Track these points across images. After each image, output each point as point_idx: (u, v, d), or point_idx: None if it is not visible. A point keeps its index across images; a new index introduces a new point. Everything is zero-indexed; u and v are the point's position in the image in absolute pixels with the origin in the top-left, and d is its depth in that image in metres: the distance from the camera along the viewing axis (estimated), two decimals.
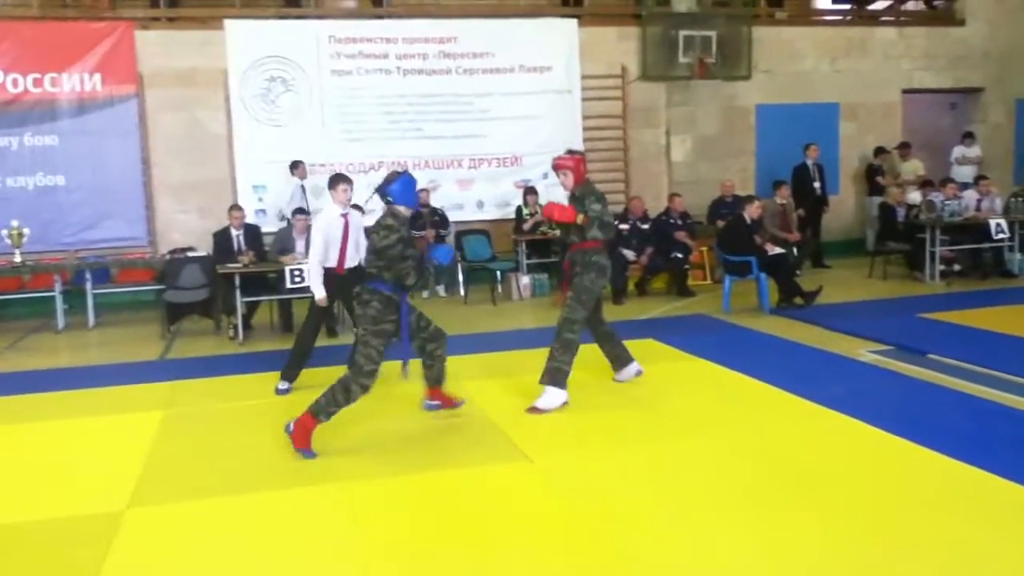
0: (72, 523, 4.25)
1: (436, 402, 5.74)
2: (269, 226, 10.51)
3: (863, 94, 13.67)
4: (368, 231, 5.21)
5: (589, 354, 6.47)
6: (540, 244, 11.25)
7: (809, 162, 12.43)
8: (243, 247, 9.03)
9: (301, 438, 5.04)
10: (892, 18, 14.37)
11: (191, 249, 9.79)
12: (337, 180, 6.57)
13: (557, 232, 10.63)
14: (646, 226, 10.76)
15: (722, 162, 13.08)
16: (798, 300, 9.20)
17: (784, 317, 8.84)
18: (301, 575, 3.65)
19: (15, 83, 10.72)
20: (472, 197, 12.12)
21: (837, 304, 9.36)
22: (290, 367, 6.61)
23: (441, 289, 11.14)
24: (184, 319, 9.47)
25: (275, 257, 8.84)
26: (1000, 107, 14.32)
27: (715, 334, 8.21)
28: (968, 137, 13.57)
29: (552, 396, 5.80)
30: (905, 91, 13.94)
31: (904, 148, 13.40)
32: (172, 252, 9.70)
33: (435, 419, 5.67)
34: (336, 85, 11.60)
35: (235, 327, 8.77)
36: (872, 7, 14.91)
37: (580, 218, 5.88)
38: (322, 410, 5.06)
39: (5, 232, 9.60)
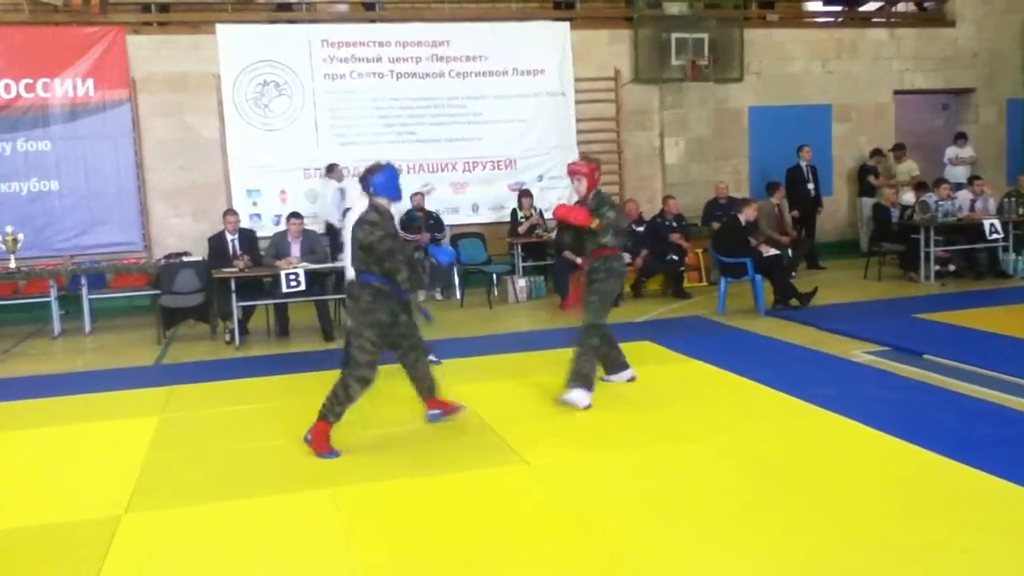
0: (70, 528, 4.23)
1: (438, 411, 5.66)
2: (264, 230, 10.50)
3: (855, 95, 13.72)
4: (353, 227, 5.16)
5: None
6: (535, 247, 11.26)
7: (803, 163, 12.48)
8: (238, 251, 9.01)
9: (320, 443, 5.07)
10: (883, 19, 14.42)
11: (186, 254, 9.77)
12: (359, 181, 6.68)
13: (551, 235, 10.73)
14: (641, 228, 10.78)
15: (715, 164, 13.11)
16: (793, 301, 9.23)
17: (779, 318, 8.86)
18: None
19: (7, 88, 10.70)
20: (467, 200, 12.12)
21: (832, 305, 9.38)
22: None
23: (437, 292, 11.12)
24: (180, 324, 9.47)
25: (270, 261, 8.84)
26: (991, 108, 14.39)
27: (711, 336, 8.22)
28: (961, 138, 13.62)
29: (581, 396, 5.85)
30: (897, 92, 14.00)
31: (898, 149, 13.45)
32: (167, 257, 9.69)
33: (431, 423, 5.66)
34: (329, 89, 11.59)
35: (231, 331, 8.75)
36: (863, 9, 14.95)
37: (595, 223, 5.92)
38: (330, 412, 5.09)
39: None
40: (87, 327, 9.80)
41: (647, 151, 12.99)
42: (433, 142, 11.94)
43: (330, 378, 6.99)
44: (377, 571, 3.68)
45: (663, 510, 4.14)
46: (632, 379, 6.44)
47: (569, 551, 3.75)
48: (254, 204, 11.32)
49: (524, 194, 11.50)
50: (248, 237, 9.36)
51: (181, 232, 11.21)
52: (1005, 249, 10.92)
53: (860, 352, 7.20)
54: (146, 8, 11.63)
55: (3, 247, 9.55)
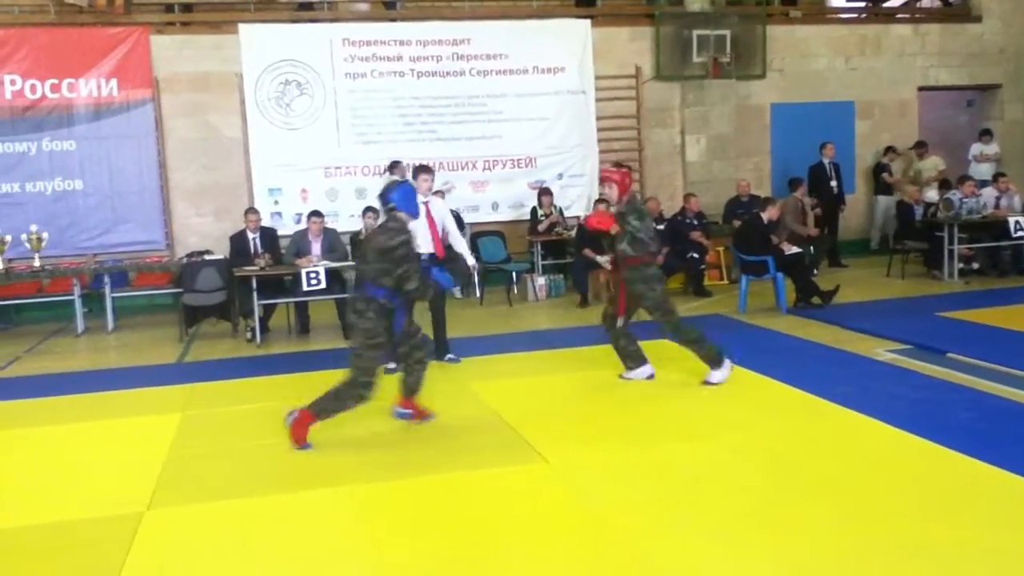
0: (93, 524, 4.28)
1: (408, 411, 5.63)
2: (285, 229, 10.55)
3: (878, 92, 13.60)
4: (369, 236, 5.30)
5: (603, 354, 6.46)
6: (555, 245, 11.25)
7: (825, 161, 12.40)
8: (259, 250, 9.07)
9: (299, 431, 5.16)
10: (907, 15, 14.28)
11: (208, 252, 9.83)
12: (419, 171, 7.03)
13: (571, 234, 10.73)
14: (661, 227, 10.73)
15: (737, 161, 13.04)
16: (815, 300, 9.15)
17: (801, 317, 8.80)
18: None
19: (33, 89, 10.81)
20: (487, 198, 12.12)
21: (854, 303, 9.31)
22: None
23: (457, 291, 11.12)
24: (202, 322, 9.53)
25: (291, 260, 8.88)
26: (1017, 104, 14.21)
27: (732, 334, 8.16)
28: (986, 134, 13.47)
29: (720, 372, 6.22)
30: (921, 88, 13.86)
31: (920, 147, 13.33)
32: (189, 255, 9.75)
33: (450, 421, 5.65)
34: (350, 88, 11.63)
35: (252, 330, 8.80)
36: (887, 4, 14.80)
37: (614, 228, 5.94)
38: (322, 411, 5.19)
39: (24, 237, 9.68)
40: (110, 325, 9.89)
41: (668, 149, 12.94)
42: (453, 140, 11.95)
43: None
44: (395, 568, 3.69)
45: (682, 508, 4.12)
46: (651, 377, 6.42)
47: (587, 549, 3.74)
48: (275, 203, 11.38)
49: (544, 192, 11.49)
50: (269, 236, 9.41)
51: (203, 231, 11.29)
52: None
53: (883, 350, 7.14)
54: (169, 8, 11.72)
55: (28, 246, 9.67)
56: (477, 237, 11.49)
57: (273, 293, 9.01)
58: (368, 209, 9.57)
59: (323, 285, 8.49)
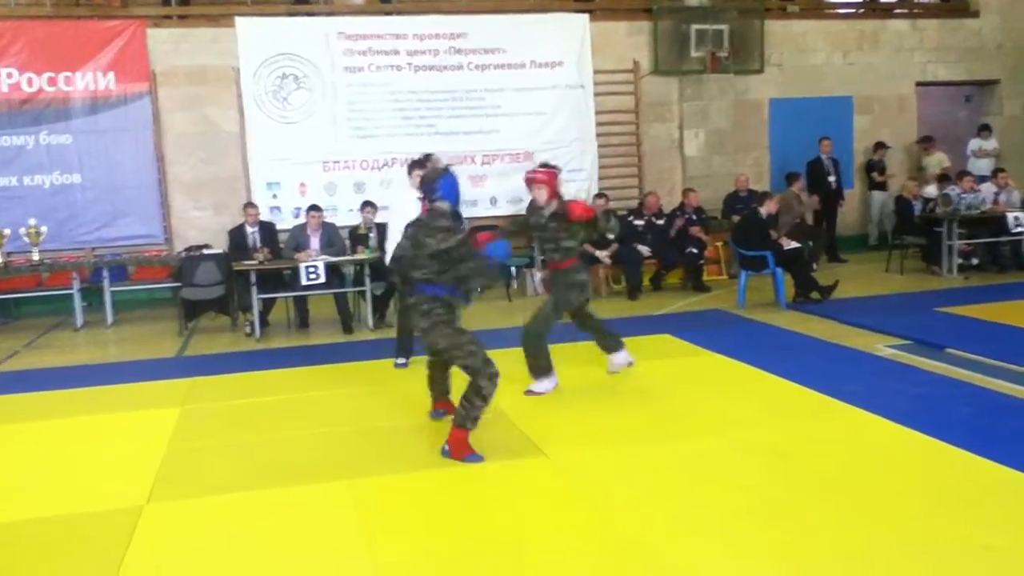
0: (93, 518, 4.28)
1: (443, 410, 5.59)
2: (283, 223, 10.52)
3: (876, 87, 13.59)
4: (415, 237, 4.99)
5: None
6: None
7: (823, 156, 12.40)
8: (258, 244, 9.06)
9: (461, 449, 4.86)
10: (905, 10, 14.24)
11: (206, 246, 9.83)
12: (415, 166, 6.91)
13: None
14: (661, 221, 10.74)
15: (735, 156, 13.02)
16: (814, 295, 9.16)
17: (800, 312, 8.81)
18: (319, 571, 3.65)
19: (30, 82, 10.75)
20: (485, 193, 12.09)
21: (853, 299, 9.32)
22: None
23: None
24: (201, 316, 9.52)
25: (290, 254, 8.87)
26: (1016, 100, 14.21)
27: (731, 329, 8.18)
28: (984, 130, 13.47)
29: (545, 383, 6.12)
30: (919, 84, 13.85)
31: (926, 142, 13.33)
32: (188, 249, 9.74)
33: (449, 416, 5.64)
34: (347, 82, 11.59)
35: (251, 324, 8.80)
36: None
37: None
38: (467, 419, 4.87)
39: (23, 230, 9.67)
40: (109, 319, 9.88)
41: (666, 143, 12.92)
42: (451, 135, 11.91)
43: (350, 369, 7.08)
44: (395, 562, 3.69)
45: (683, 504, 4.13)
46: (629, 364, 6.34)
47: (588, 545, 3.74)
48: (274, 197, 11.34)
49: None
50: (268, 230, 9.41)
51: (202, 225, 11.26)
52: None
53: (882, 346, 7.15)
54: (166, 2, 11.67)
55: (27, 240, 9.66)
56: (474, 232, 11.45)
57: (272, 287, 9.01)
58: (367, 204, 9.57)
59: (322, 279, 8.49)
